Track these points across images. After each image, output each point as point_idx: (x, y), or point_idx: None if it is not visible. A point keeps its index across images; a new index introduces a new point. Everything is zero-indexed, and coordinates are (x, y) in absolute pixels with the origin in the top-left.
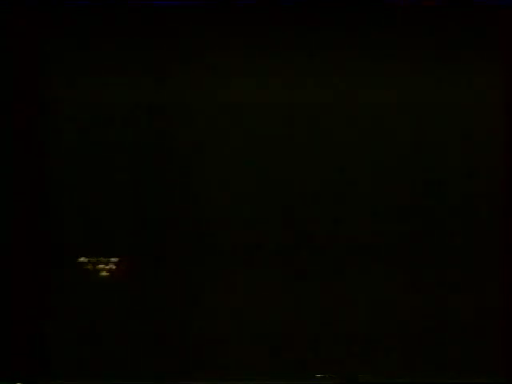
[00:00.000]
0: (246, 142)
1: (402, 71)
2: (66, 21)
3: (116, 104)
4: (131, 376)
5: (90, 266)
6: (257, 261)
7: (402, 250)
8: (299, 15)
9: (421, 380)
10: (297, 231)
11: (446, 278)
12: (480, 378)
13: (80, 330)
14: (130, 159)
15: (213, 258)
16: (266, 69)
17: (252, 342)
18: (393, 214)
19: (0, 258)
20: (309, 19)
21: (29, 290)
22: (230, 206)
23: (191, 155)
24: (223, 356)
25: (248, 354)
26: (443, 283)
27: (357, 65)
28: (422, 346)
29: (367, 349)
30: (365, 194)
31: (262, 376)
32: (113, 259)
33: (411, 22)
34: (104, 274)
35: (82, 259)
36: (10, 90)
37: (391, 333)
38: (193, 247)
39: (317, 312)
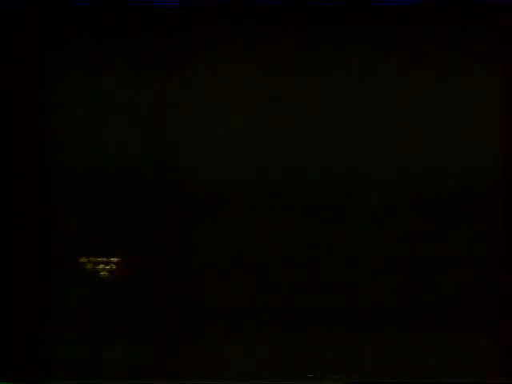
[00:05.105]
0: (244, 142)
1: (402, 71)
2: (67, 20)
3: (117, 104)
4: (131, 376)
5: (90, 266)
6: (259, 261)
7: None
8: (301, 16)
9: (421, 380)
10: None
11: (446, 277)
12: (480, 378)
13: (80, 329)
14: (130, 158)
15: (213, 257)
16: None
17: (253, 345)
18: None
19: (0, 258)
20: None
21: (29, 289)
22: (230, 206)
23: (192, 155)
24: (223, 355)
25: (248, 357)
26: (443, 280)
27: (356, 65)
28: (421, 345)
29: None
30: (361, 190)
31: (262, 376)
32: (113, 259)
33: (410, 21)
34: (104, 273)
35: (82, 259)
36: (10, 90)
37: (392, 331)
38: (193, 247)
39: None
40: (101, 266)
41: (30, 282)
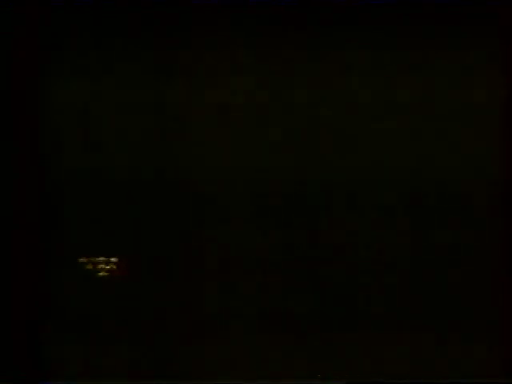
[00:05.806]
0: (241, 140)
1: (402, 71)
2: (67, 20)
3: (117, 103)
4: (131, 376)
5: (90, 266)
6: (258, 262)
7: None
8: (300, 15)
9: (421, 380)
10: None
11: (447, 277)
12: (480, 378)
13: (80, 329)
14: (130, 158)
15: (213, 258)
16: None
17: (252, 345)
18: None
19: (0, 258)
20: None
21: (29, 289)
22: (230, 205)
23: (192, 155)
24: (223, 356)
25: (247, 357)
26: (443, 284)
27: (356, 64)
28: (421, 345)
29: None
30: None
31: (261, 376)
32: (113, 259)
33: (410, 21)
34: (104, 273)
35: (82, 259)
36: (10, 90)
37: (391, 329)
38: (193, 247)
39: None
40: (101, 266)
41: (30, 282)
